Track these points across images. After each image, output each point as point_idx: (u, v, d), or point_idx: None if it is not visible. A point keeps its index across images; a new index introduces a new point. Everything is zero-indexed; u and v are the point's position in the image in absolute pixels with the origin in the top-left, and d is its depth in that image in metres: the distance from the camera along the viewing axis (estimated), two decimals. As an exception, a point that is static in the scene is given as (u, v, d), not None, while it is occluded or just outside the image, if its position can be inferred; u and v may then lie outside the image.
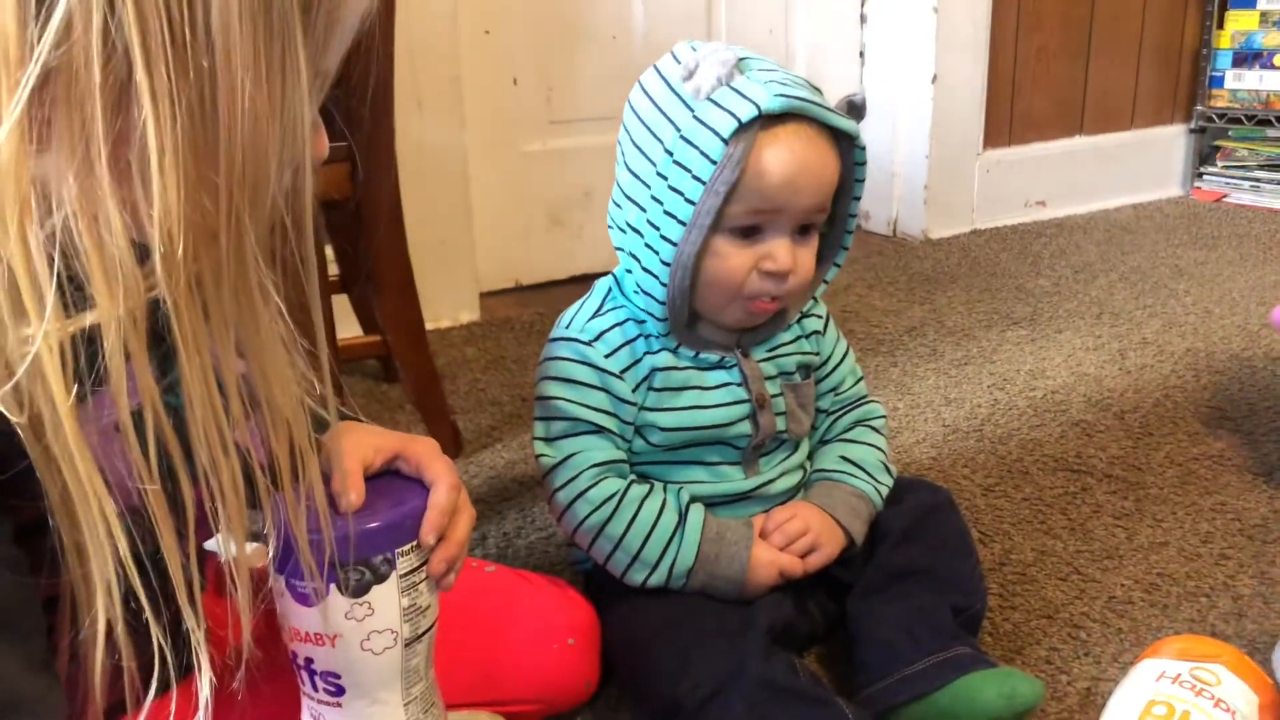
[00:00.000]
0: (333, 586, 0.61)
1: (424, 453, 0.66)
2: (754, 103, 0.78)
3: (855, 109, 0.85)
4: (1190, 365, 1.52)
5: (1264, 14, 2.39)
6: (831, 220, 0.90)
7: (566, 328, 0.89)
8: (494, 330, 1.75)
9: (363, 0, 0.51)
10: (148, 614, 0.50)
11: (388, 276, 1.22)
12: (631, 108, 0.86)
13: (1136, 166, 2.50)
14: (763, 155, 0.79)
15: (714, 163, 0.79)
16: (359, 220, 1.20)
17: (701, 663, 0.77)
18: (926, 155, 2.22)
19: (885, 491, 0.94)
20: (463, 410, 1.42)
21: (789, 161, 0.80)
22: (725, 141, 0.78)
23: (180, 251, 0.45)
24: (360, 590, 0.61)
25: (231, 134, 0.45)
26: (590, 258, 1.98)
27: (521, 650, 0.81)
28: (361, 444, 0.65)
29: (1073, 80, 2.38)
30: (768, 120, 0.79)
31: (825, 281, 0.92)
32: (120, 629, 0.49)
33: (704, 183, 0.80)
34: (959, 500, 1.00)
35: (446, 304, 1.76)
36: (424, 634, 0.65)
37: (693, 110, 0.81)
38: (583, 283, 1.95)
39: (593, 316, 0.88)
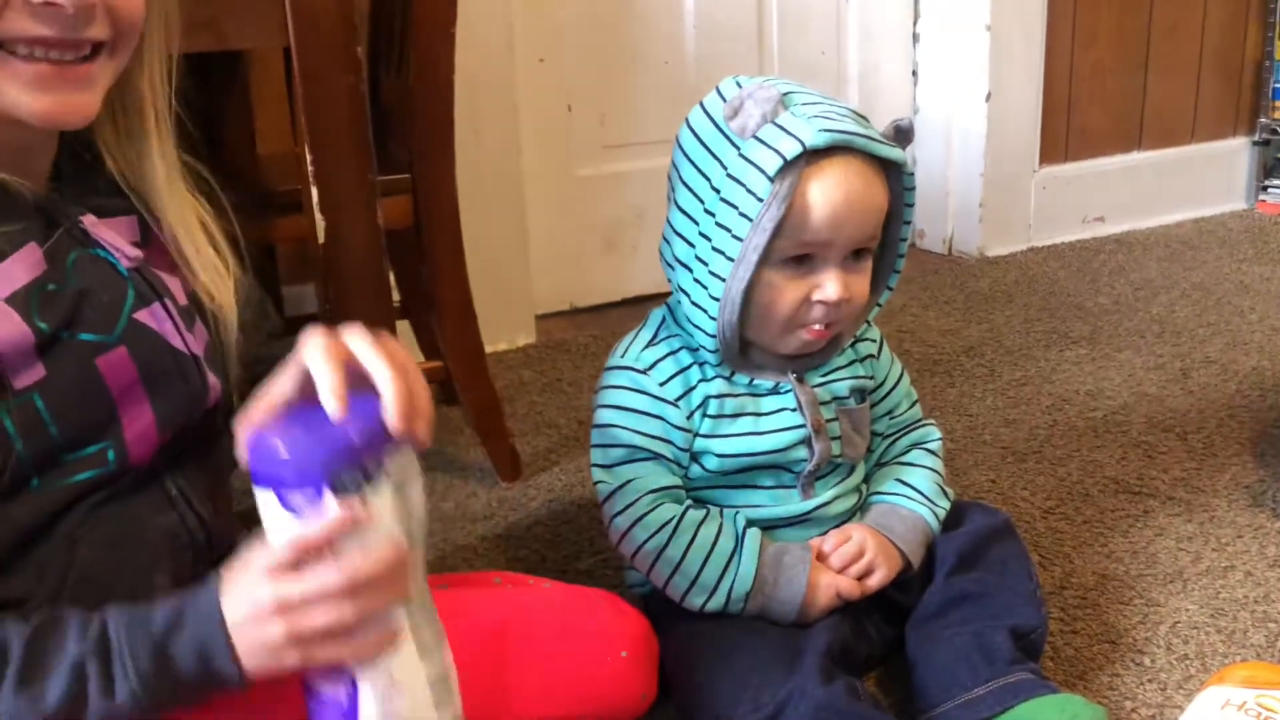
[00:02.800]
0: (326, 491, 0.59)
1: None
2: (799, 139, 0.80)
3: (903, 134, 0.86)
4: (1256, 384, 1.50)
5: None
6: (883, 245, 0.90)
7: (622, 357, 0.91)
8: (550, 353, 1.78)
9: None
10: None
11: (448, 303, 1.25)
12: (680, 146, 0.88)
13: (1198, 180, 2.46)
14: (809, 191, 0.81)
15: (760, 200, 0.80)
16: (420, 248, 1.23)
17: (761, 685, 0.78)
18: (981, 173, 2.20)
19: (942, 515, 0.94)
20: (521, 433, 1.44)
21: (835, 196, 0.81)
22: (771, 179, 0.80)
23: None
24: (356, 489, 0.60)
25: None
26: (644, 280, 1.99)
27: (577, 664, 0.82)
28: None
29: (1130, 94, 2.35)
30: (813, 155, 0.80)
31: (878, 305, 0.93)
32: None
33: (751, 220, 0.81)
34: (1018, 523, 1.00)
35: (503, 327, 1.79)
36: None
37: (739, 149, 0.82)
38: (636, 305, 1.98)
39: (647, 346, 0.90)
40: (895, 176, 0.86)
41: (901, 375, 0.99)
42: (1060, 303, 1.92)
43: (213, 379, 0.71)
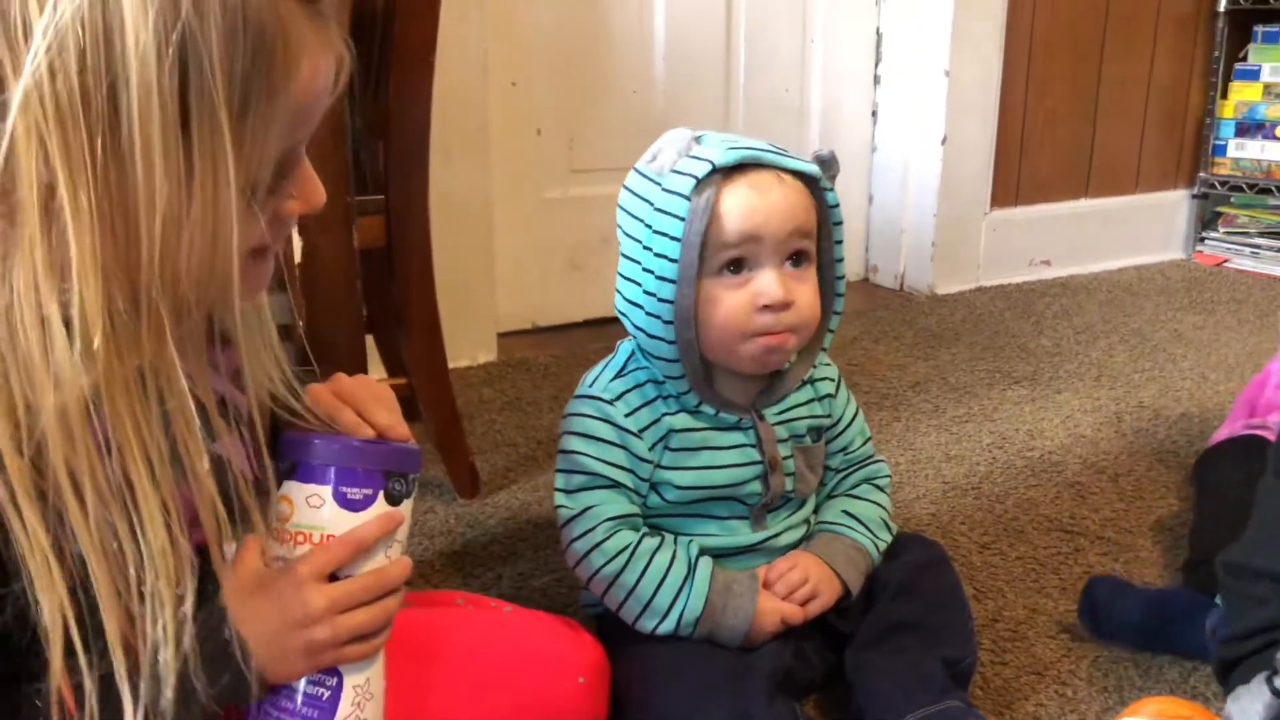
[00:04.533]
0: (381, 493, 0.68)
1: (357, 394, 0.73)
2: (709, 160, 0.86)
3: (824, 163, 0.91)
4: (1184, 431, 1.57)
5: (1267, 86, 2.46)
6: (819, 266, 0.94)
7: (590, 386, 0.94)
8: (510, 371, 1.81)
9: (314, 84, 0.56)
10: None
11: (416, 321, 1.28)
12: (620, 206, 0.94)
13: (1140, 229, 2.56)
14: (725, 200, 0.87)
15: (684, 219, 0.86)
16: (391, 267, 1.26)
17: (708, 706, 0.82)
18: (935, 213, 2.28)
19: (883, 546, 0.99)
20: (479, 451, 1.47)
21: (751, 197, 0.87)
22: (688, 198, 0.86)
23: (97, 344, 0.52)
24: (398, 499, 0.69)
25: (151, 238, 0.52)
26: (605, 302, 2.02)
27: (535, 688, 0.85)
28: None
29: (1079, 143, 2.44)
30: (728, 173, 0.87)
31: (830, 331, 0.97)
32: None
33: (680, 239, 0.86)
34: (955, 556, 1.05)
35: (465, 344, 1.82)
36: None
37: (660, 184, 0.89)
38: (597, 326, 2.02)
39: (615, 377, 0.94)
40: (817, 194, 0.91)
41: (856, 413, 1.04)
42: (1005, 342, 1.99)
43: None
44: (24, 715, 0.58)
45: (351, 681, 0.69)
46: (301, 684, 0.68)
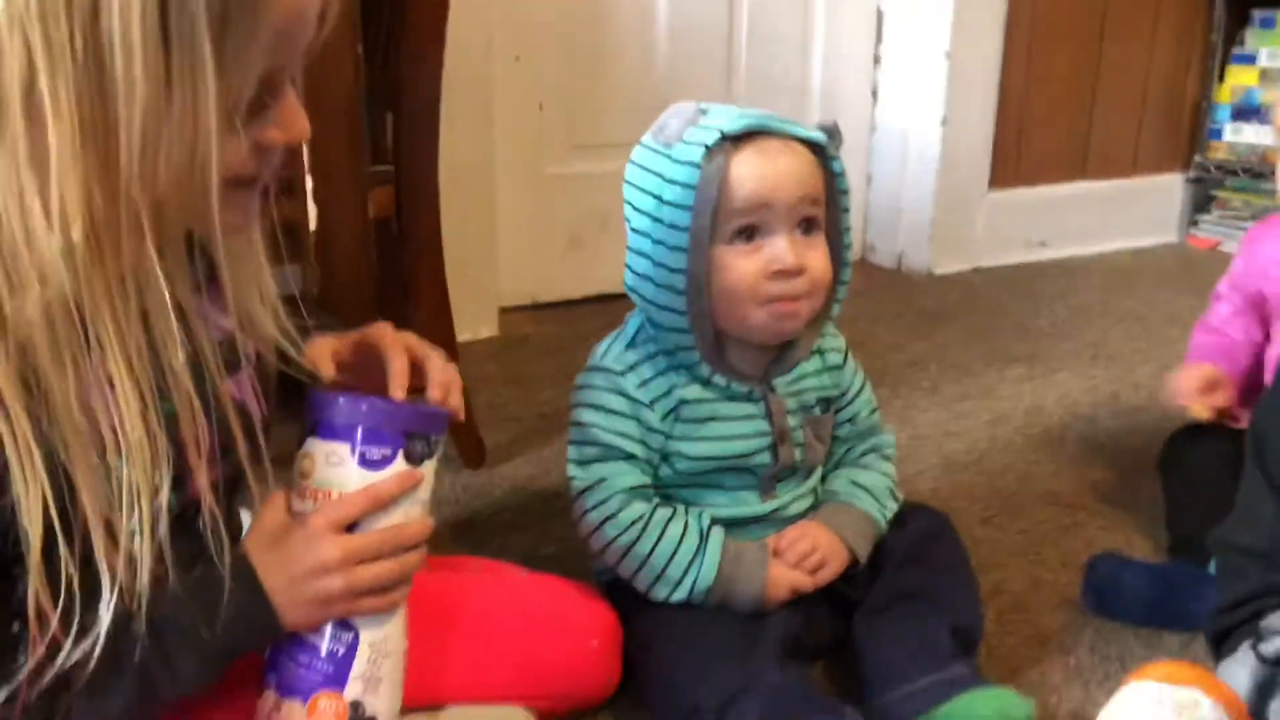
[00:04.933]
0: (401, 453, 0.69)
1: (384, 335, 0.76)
2: (717, 128, 0.87)
3: (829, 132, 0.92)
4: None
5: (1264, 71, 2.47)
6: (826, 236, 0.94)
7: (601, 358, 0.95)
8: (512, 346, 1.82)
9: (298, 3, 0.57)
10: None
11: (425, 292, 1.28)
12: (627, 181, 0.94)
13: (1136, 212, 2.57)
14: (736, 166, 0.88)
15: (695, 188, 0.87)
16: (401, 238, 1.26)
17: (720, 671, 0.83)
18: (933, 193, 2.29)
19: (890, 515, 1.00)
20: (483, 425, 1.47)
21: (761, 163, 0.88)
22: (699, 166, 0.86)
23: (77, 237, 0.54)
24: (419, 459, 0.70)
25: (130, 138, 0.53)
26: (606, 279, 2.03)
27: (550, 650, 0.87)
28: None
29: (1078, 126, 2.46)
30: (736, 141, 0.88)
31: (838, 301, 0.98)
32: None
33: (692, 208, 0.87)
34: (957, 529, 1.06)
35: (467, 319, 1.82)
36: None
37: (670, 155, 0.89)
38: (598, 302, 2.02)
39: (626, 348, 0.95)
40: (824, 162, 0.92)
41: (864, 384, 1.05)
42: (1002, 323, 2.01)
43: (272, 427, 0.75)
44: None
45: (368, 638, 0.70)
46: (319, 638, 0.69)
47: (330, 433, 0.70)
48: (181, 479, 0.64)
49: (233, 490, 0.75)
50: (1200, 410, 1.15)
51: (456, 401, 0.75)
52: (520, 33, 1.90)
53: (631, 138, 0.94)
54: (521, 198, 1.97)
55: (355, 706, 0.70)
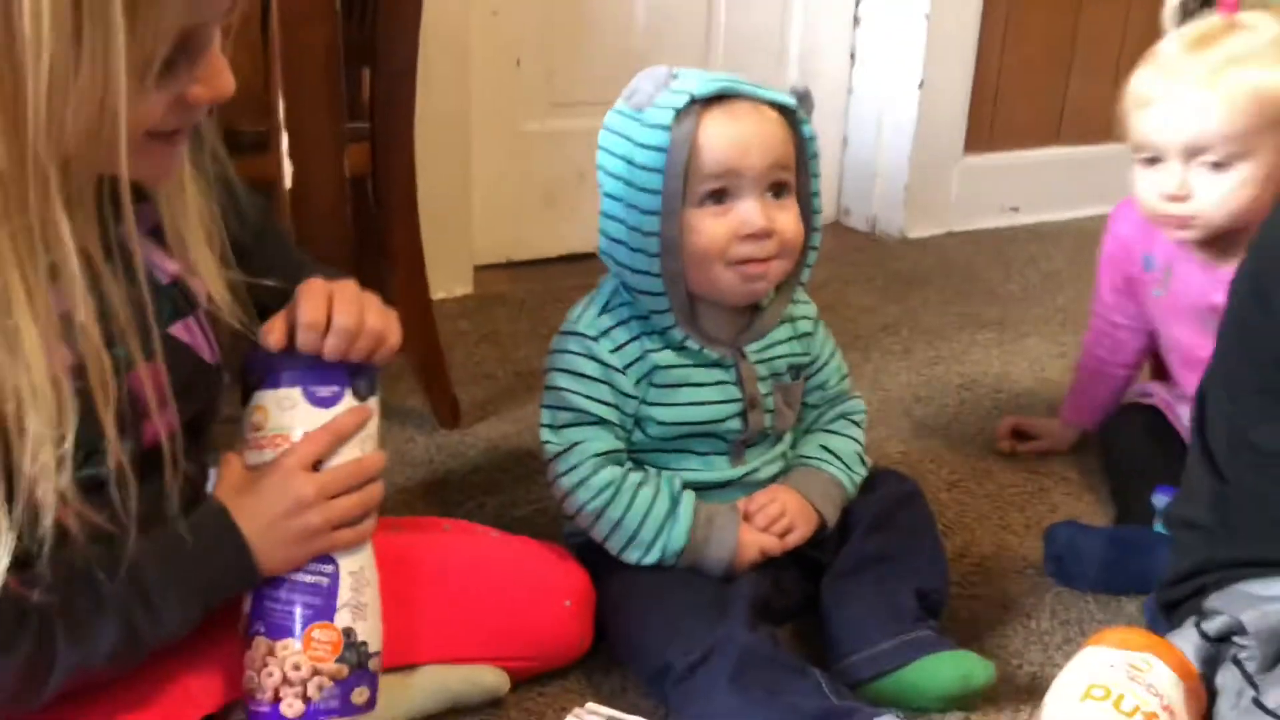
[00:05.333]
0: (348, 390, 0.73)
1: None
2: (687, 91, 0.88)
3: (800, 97, 0.93)
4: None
5: (1238, 40, 2.48)
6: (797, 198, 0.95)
7: (575, 323, 0.96)
8: (487, 305, 1.81)
9: None
10: None
11: (400, 250, 1.28)
12: (600, 146, 0.94)
13: (1108, 179, 2.58)
14: (705, 129, 0.88)
15: (665, 151, 0.87)
16: (376, 196, 1.25)
17: (691, 631, 0.85)
18: (909, 157, 2.29)
19: (858, 480, 1.02)
20: (459, 383, 1.47)
21: (729, 125, 0.89)
22: (669, 129, 0.87)
23: None
24: (364, 395, 0.74)
25: (37, 96, 0.54)
26: (581, 238, 2.03)
27: (523, 611, 0.89)
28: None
29: (1053, 92, 2.46)
30: (706, 104, 0.88)
31: (808, 265, 0.99)
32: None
33: (663, 171, 0.88)
34: (925, 494, 1.08)
35: (442, 277, 1.81)
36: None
37: (640, 120, 0.90)
38: (573, 261, 2.02)
39: (600, 313, 0.95)
40: (794, 126, 0.92)
41: (834, 351, 1.06)
42: (974, 287, 2.02)
43: (227, 377, 0.76)
44: None
45: (347, 568, 0.74)
46: (300, 575, 0.72)
47: (276, 381, 0.73)
48: (137, 425, 0.66)
49: (195, 436, 0.76)
50: (1004, 446, 1.35)
51: (376, 323, 0.74)
52: (498, -14, 1.88)
53: (610, 95, 0.94)
54: (497, 155, 1.95)
55: (347, 633, 0.73)
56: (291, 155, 0.99)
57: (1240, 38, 1.04)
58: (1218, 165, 1.05)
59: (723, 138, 0.88)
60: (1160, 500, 1.11)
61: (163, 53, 0.57)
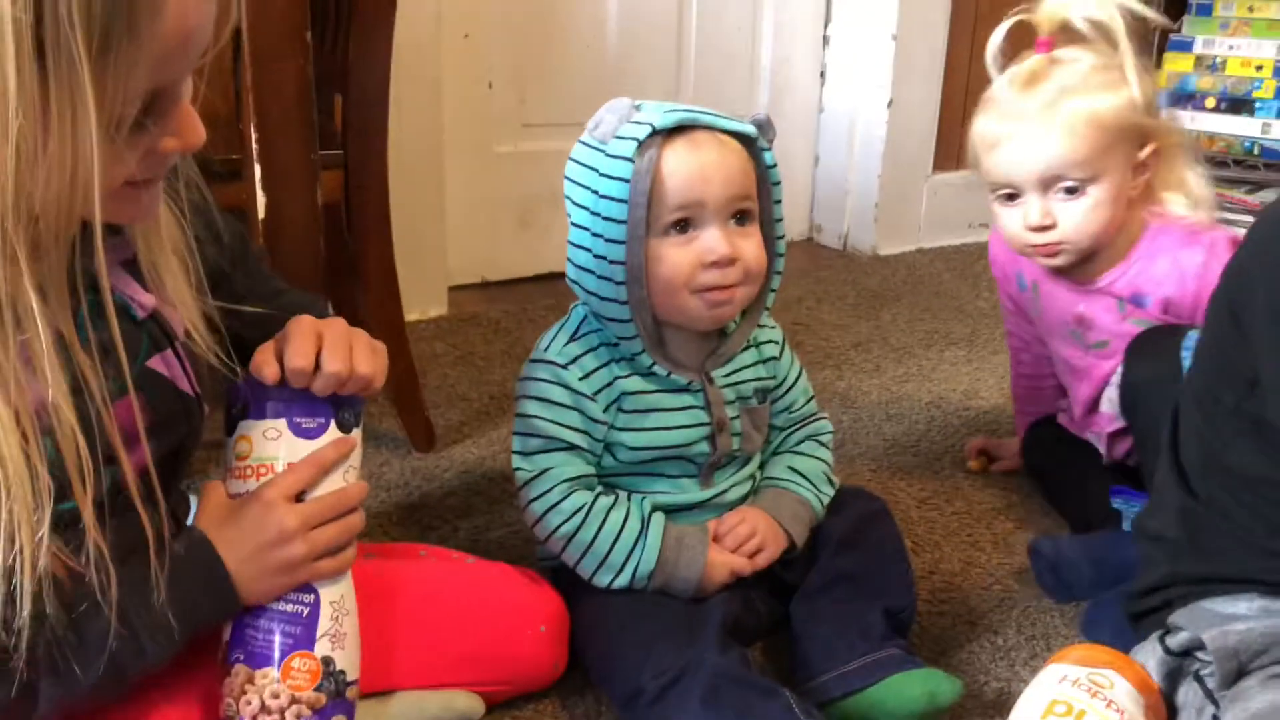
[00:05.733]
0: (332, 421, 0.75)
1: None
2: (649, 123, 0.90)
3: (760, 125, 0.95)
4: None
5: (1199, 58, 2.54)
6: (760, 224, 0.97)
7: (545, 351, 0.97)
8: (462, 326, 1.82)
9: (183, 24, 0.56)
10: None
11: (373, 275, 1.29)
12: (566, 177, 0.96)
13: (1075, 194, 2.63)
14: (668, 160, 0.90)
15: (628, 181, 0.89)
16: (348, 222, 1.26)
17: (663, 654, 0.86)
18: (879, 175, 2.32)
19: (826, 500, 1.04)
20: (433, 405, 1.48)
21: (691, 156, 0.90)
22: (632, 160, 0.89)
23: None
24: (349, 426, 0.76)
25: (5, 173, 0.53)
26: (555, 257, 2.02)
27: (498, 636, 0.89)
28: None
29: (1020, 109, 2.49)
30: (668, 135, 0.90)
31: (773, 290, 1.00)
32: None
33: (627, 201, 0.89)
34: (895, 511, 1.10)
35: (416, 298, 1.82)
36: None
37: (604, 150, 0.91)
38: (547, 280, 2.04)
39: (569, 341, 0.97)
40: (755, 155, 0.94)
41: (800, 374, 1.08)
42: (943, 304, 2.05)
43: (207, 408, 0.76)
44: None
45: (328, 597, 0.75)
46: (280, 604, 0.73)
47: (262, 411, 0.74)
48: (113, 458, 0.66)
49: (175, 466, 0.77)
50: (973, 466, 1.39)
51: (365, 369, 0.75)
52: (470, 9, 1.90)
53: (581, 116, 0.96)
54: (471, 176, 1.97)
55: (326, 662, 0.74)
56: (264, 186, 1.00)
57: (1065, 70, 1.10)
58: (1072, 190, 1.11)
59: (685, 168, 0.90)
60: (1117, 501, 1.14)
61: (131, 115, 0.57)
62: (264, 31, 0.97)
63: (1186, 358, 1.04)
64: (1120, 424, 1.17)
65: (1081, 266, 1.17)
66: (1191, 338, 1.05)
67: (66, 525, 0.63)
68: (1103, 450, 1.22)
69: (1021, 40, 1.16)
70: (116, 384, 0.66)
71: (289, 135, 1.00)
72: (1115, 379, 1.15)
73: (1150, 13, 1.14)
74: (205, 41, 0.60)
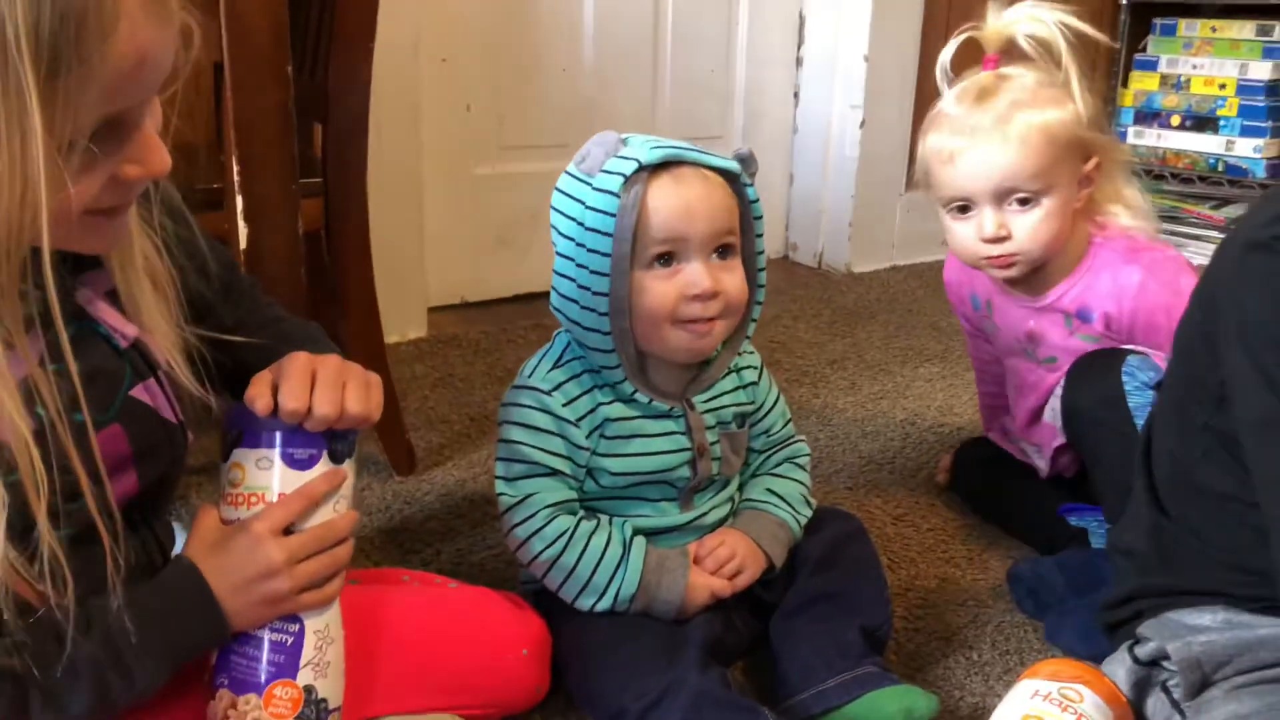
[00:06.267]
0: (325, 453, 0.75)
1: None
2: (635, 159, 0.91)
3: (743, 160, 0.97)
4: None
5: (1164, 77, 2.59)
6: (741, 257, 0.99)
7: (529, 377, 0.98)
8: (441, 347, 1.83)
9: (135, 51, 0.56)
10: None
11: (354, 301, 1.30)
12: (553, 208, 0.98)
13: (1045, 211, 2.67)
14: (653, 196, 0.92)
15: (614, 215, 0.91)
16: (328, 248, 1.27)
17: (644, 675, 0.88)
18: (853, 194, 2.35)
19: (804, 521, 1.06)
20: (413, 428, 1.50)
21: (675, 192, 0.92)
22: (618, 195, 0.91)
23: None
24: (341, 458, 0.76)
25: None
26: (534, 278, 2.07)
27: (481, 660, 0.90)
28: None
29: (990, 127, 2.53)
30: (654, 171, 0.92)
31: (753, 320, 1.02)
32: None
33: (613, 234, 0.91)
34: (871, 528, 1.12)
35: (395, 320, 1.83)
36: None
37: (591, 184, 0.93)
38: (526, 301, 2.05)
39: (553, 367, 0.98)
40: (739, 189, 0.96)
41: (778, 398, 1.10)
42: (918, 321, 2.08)
43: (191, 436, 0.77)
44: None
45: (313, 627, 0.76)
46: (265, 632, 0.75)
47: (255, 440, 0.75)
48: (100, 483, 0.66)
49: (160, 494, 0.78)
50: (942, 480, 1.42)
51: (357, 409, 0.75)
52: (448, 34, 1.92)
53: (559, 138, 0.98)
54: (450, 198, 1.98)
55: (309, 691, 0.75)
56: (245, 217, 1.01)
57: (1014, 84, 1.14)
58: (1025, 202, 1.14)
59: (670, 204, 0.92)
60: (1075, 519, 1.16)
61: (83, 141, 0.57)
62: (245, 64, 0.98)
63: (1128, 381, 1.07)
64: (1062, 439, 1.19)
65: (1031, 281, 1.20)
66: (1132, 362, 1.08)
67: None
68: (1043, 464, 1.24)
69: (964, 59, 1.18)
70: (99, 413, 0.66)
71: (270, 167, 1.01)
72: (1059, 390, 1.18)
73: (1091, 30, 1.17)
74: (163, 70, 0.60)
